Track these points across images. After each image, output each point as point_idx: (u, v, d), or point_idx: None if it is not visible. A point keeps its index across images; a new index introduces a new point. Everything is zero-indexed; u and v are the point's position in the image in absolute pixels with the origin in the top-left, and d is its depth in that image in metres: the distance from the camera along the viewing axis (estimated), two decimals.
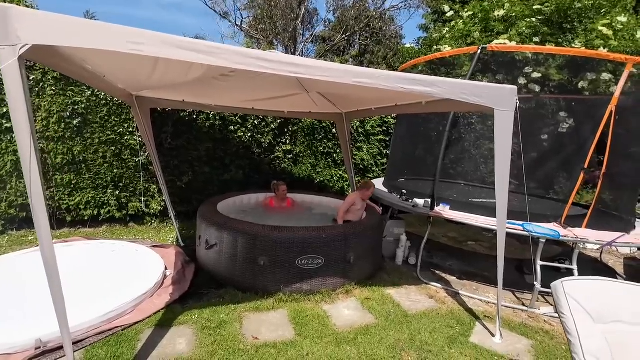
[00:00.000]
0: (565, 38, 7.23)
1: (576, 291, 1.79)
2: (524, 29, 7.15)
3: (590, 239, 3.53)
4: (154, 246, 4.30)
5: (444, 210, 4.06)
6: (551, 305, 3.70)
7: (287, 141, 6.38)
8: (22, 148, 1.61)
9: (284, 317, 3.04)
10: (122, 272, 3.48)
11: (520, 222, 3.58)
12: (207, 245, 3.61)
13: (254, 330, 2.82)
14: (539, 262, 3.51)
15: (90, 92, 4.76)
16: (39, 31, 1.56)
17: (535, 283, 3.46)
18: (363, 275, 3.78)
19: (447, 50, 6.91)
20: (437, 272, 4.37)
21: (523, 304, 3.67)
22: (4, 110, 4.36)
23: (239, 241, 3.35)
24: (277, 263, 3.28)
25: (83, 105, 4.72)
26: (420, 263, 4.21)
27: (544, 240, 3.48)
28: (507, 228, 3.51)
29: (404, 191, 4.66)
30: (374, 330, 2.94)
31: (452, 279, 4.22)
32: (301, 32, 20.12)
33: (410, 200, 4.46)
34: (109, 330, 2.66)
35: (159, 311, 2.98)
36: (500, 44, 6.06)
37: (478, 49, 3.81)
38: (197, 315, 2.95)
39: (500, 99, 2.52)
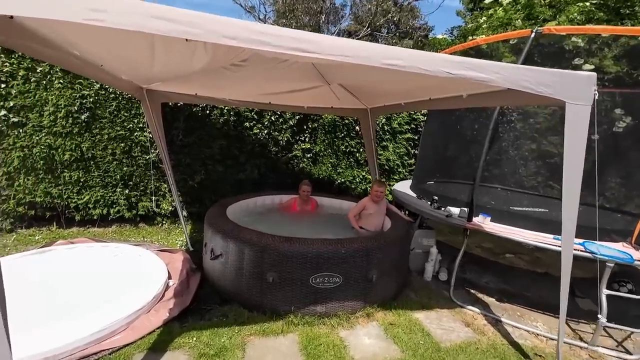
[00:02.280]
0: (623, 25, 6.36)
1: None
2: (575, 14, 6.33)
3: None
4: (160, 250, 4.01)
5: (484, 222, 3.48)
6: (616, 341, 3.07)
7: (306, 139, 5.93)
8: None
9: (294, 345, 2.62)
10: (120, 281, 3.17)
11: (580, 241, 2.96)
12: (212, 254, 3.24)
13: None
14: (605, 291, 2.88)
15: (98, 86, 4.52)
16: None
17: (599, 317, 2.84)
18: (387, 295, 3.29)
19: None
20: (472, 291, 3.81)
21: (581, 339, 3.05)
22: (11, 104, 4.19)
23: (246, 252, 2.95)
24: (288, 280, 2.85)
25: (91, 99, 4.49)
26: (454, 281, 3.67)
27: (611, 265, 2.85)
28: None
29: (435, 197, 4.10)
30: None
31: (490, 300, 3.65)
32: (327, 26, 19.57)
33: (443, 209, 3.90)
34: (94, 354, 2.34)
35: (154, 330, 2.65)
36: None
37: (532, 32, 3.18)
38: (195, 338, 2.58)
39: (574, 90, 1.95)
